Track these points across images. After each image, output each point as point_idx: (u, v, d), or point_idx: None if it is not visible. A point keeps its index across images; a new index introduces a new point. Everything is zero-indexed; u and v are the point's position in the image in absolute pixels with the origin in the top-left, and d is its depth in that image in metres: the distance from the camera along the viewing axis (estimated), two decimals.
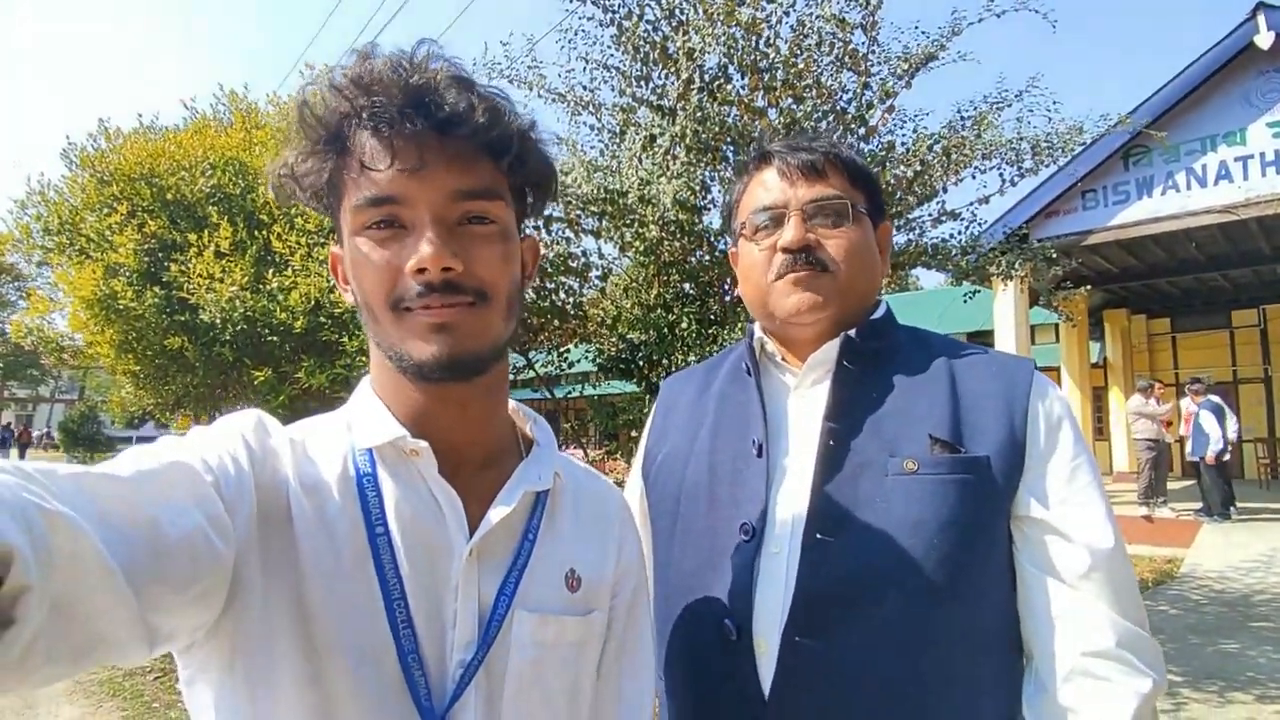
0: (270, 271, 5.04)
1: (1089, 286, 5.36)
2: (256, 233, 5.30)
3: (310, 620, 0.59)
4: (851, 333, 0.94)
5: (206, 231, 5.17)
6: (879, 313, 0.99)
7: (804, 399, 0.96)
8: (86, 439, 23.71)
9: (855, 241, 0.95)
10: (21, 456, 24.39)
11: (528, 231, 0.76)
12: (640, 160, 3.58)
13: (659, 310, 4.01)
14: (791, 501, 0.89)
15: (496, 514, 0.67)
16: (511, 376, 4.77)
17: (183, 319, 5.25)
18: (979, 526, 0.84)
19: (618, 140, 3.91)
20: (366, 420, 0.68)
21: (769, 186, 0.98)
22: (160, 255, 5.39)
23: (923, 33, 3.61)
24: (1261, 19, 7.19)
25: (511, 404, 0.78)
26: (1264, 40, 7.14)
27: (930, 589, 0.81)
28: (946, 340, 1.01)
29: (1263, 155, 7.49)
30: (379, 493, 0.64)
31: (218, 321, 4.86)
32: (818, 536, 0.84)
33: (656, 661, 0.98)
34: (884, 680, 0.80)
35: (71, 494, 0.43)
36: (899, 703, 0.80)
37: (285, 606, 0.59)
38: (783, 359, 1.01)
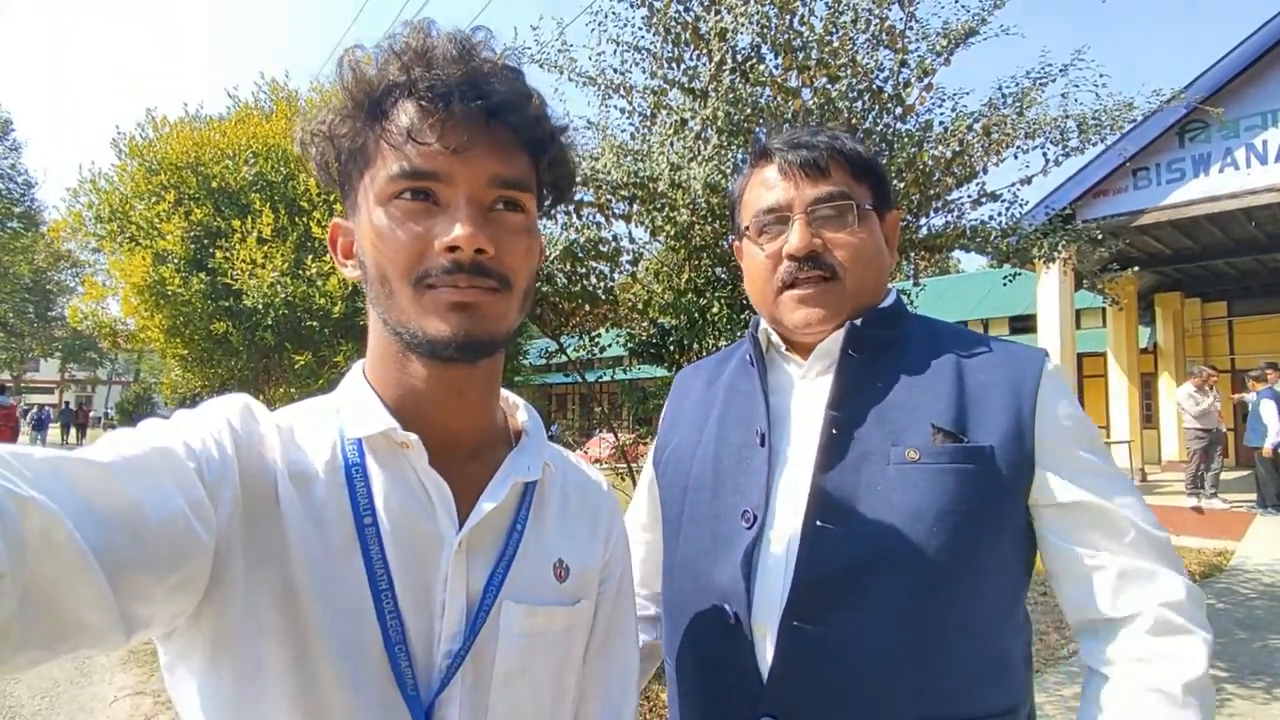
0: (310, 257, 5.16)
1: (1136, 268, 5.18)
2: (297, 219, 5.42)
3: (297, 608, 0.58)
4: (857, 321, 0.93)
5: (249, 218, 5.31)
6: (887, 301, 0.98)
7: (809, 389, 0.96)
8: (142, 420, 24.64)
9: (862, 242, 0.94)
10: (81, 436, 25.50)
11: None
12: (671, 144, 3.56)
13: (690, 295, 3.99)
14: (793, 490, 0.89)
15: (487, 506, 0.67)
16: (544, 360, 4.79)
17: (227, 304, 5.41)
18: (981, 515, 0.83)
19: (649, 124, 3.88)
20: (357, 409, 0.67)
21: (771, 185, 0.96)
22: (205, 242, 5.55)
23: (963, 6, 3.51)
24: None
25: (503, 393, 0.77)
26: None
27: (927, 576, 0.81)
28: (956, 330, 1.00)
29: None
30: (368, 483, 0.64)
31: (260, 306, 5.00)
32: (817, 524, 0.85)
33: (666, 646, 1.00)
34: (880, 665, 0.81)
35: (47, 479, 0.42)
36: (895, 688, 0.81)
37: (271, 594, 0.58)
38: (787, 350, 1.00)
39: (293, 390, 5.89)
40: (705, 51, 3.56)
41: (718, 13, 3.44)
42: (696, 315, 4.02)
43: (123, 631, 0.46)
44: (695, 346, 4.10)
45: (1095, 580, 0.83)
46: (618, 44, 3.72)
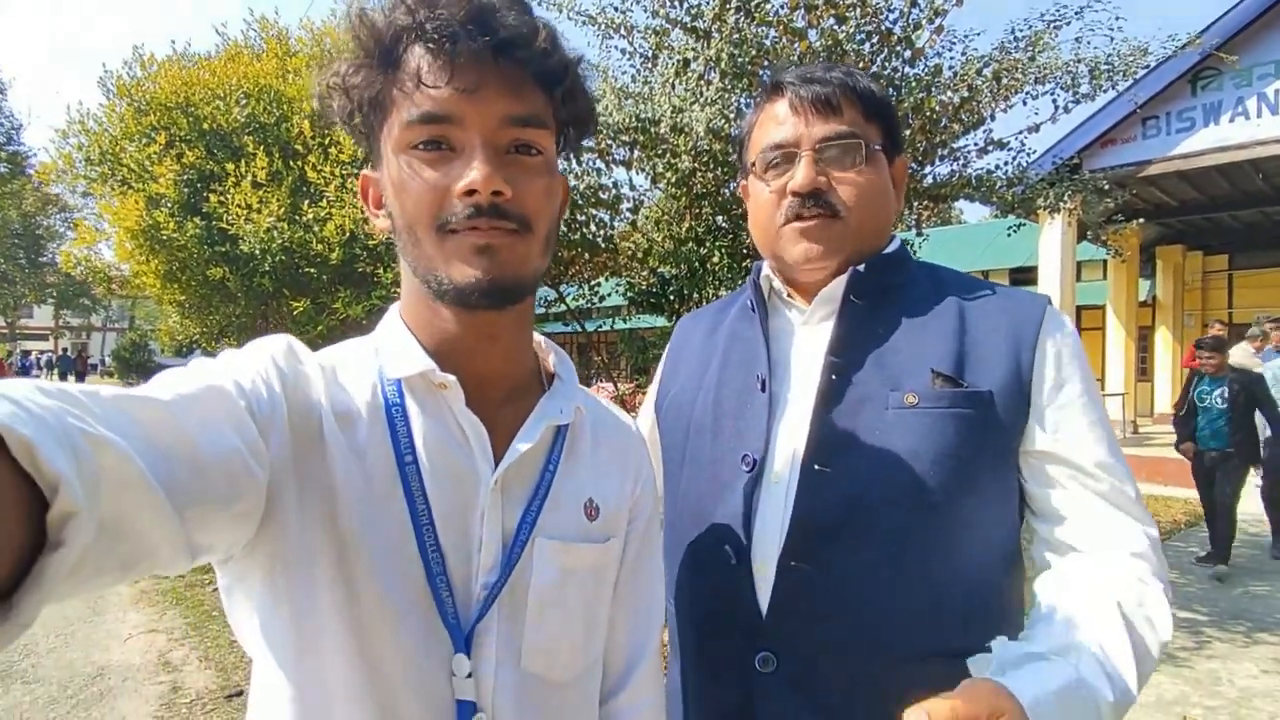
0: (306, 203, 5.09)
1: (1142, 220, 5.13)
2: (292, 163, 5.32)
3: (343, 542, 0.61)
4: (860, 267, 0.92)
5: (243, 161, 5.21)
6: (891, 247, 0.97)
7: (810, 335, 0.96)
8: (138, 366, 24.77)
9: (869, 183, 0.92)
10: (80, 382, 25.61)
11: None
12: (673, 86, 3.47)
13: (690, 244, 3.96)
14: (792, 434, 0.90)
15: (522, 447, 0.69)
16: (542, 310, 4.80)
17: (223, 250, 5.35)
18: (977, 458, 0.84)
19: (650, 65, 3.78)
20: (395, 351, 0.69)
21: (780, 121, 0.95)
22: (199, 186, 5.46)
23: None
24: None
25: (535, 337, 0.78)
26: None
27: (920, 515, 0.83)
28: (961, 276, 0.99)
29: None
30: (407, 422, 0.66)
31: (257, 252, 4.96)
32: (815, 468, 0.86)
33: (666, 584, 1.01)
34: (874, 602, 0.83)
35: (115, 417, 0.44)
36: (889, 623, 0.83)
37: (320, 526, 0.61)
38: (790, 295, 1.00)
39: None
40: None
41: None
42: (697, 264, 3.99)
43: (187, 557, 0.49)
44: (695, 296, 4.08)
45: (1068, 522, 0.85)
46: None
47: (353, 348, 0.71)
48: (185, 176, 5.45)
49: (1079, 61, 3.54)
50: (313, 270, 5.08)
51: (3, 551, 0.34)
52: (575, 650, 0.72)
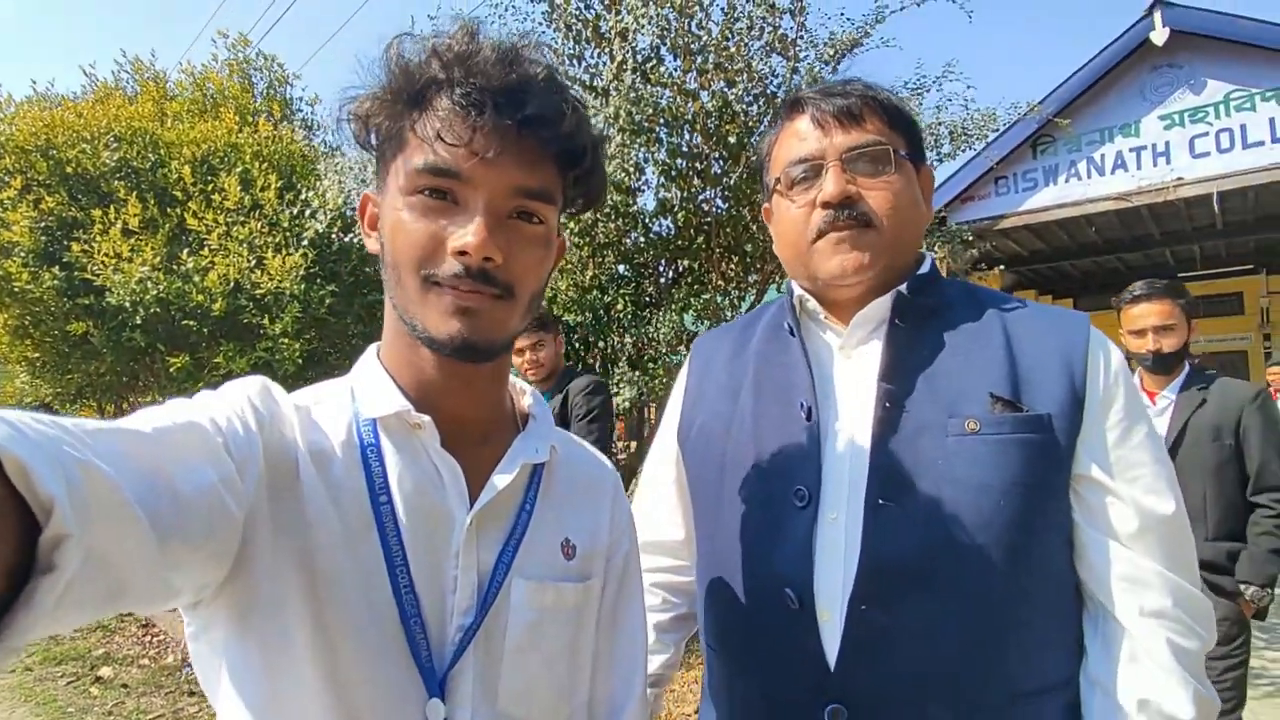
0: (185, 252, 4.79)
1: (1002, 267, 5.67)
2: (169, 210, 5.01)
3: (317, 582, 0.60)
4: (904, 289, 0.90)
5: (113, 208, 4.87)
6: (925, 267, 0.95)
7: (851, 359, 0.93)
8: None
9: (899, 190, 0.89)
10: None
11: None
12: None
13: (595, 292, 4.03)
14: (846, 467, 0.86)
15: (499, 482, 0.69)
16: None
17: (87, 302, 4.93)
18: (1042, 486, 0.81)
19: None
20: (371, 391, 0.69)
21: (803, 136, 0.92)
22: (59, 234, 5.04)
23: (848, 19, 3.74)
24: (1158, 15, 7.66)
25: (509, 378, 0.79)
26: (1159, 36, 7.60)
27: (998, 552, 0.79)
28: (997, 295, 0.96)
29: (1154, 146, 8.02)
30: (382, 462, 0.66)
31: (127, 304, 4.60)
32: (880, 502, 0.81)
33: (709, 633, 0.98)
34: (956, 648, 0.79)
35: (102, 446, 0.43)
36: (972, 670, 0.79)
37: (293, 567, 0.60)
38: (825, 317, 0.96)
39: (162, 397, 5.45)
40: (607, 51, 3.61)
41: (618, 12, 3.49)
42: (601, 311, 4.06)
43: (164, 594, 0.49)
44: (600, 343, 4.14)
45: (1096, 572, 0.83)
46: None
47: (328, 388, 0.71)
48: (43, 224, 5.02)
49: (940, 125, 3.94)
50: (192, 323, 4.75)
51: None
52: (558, 694, 0.71)
